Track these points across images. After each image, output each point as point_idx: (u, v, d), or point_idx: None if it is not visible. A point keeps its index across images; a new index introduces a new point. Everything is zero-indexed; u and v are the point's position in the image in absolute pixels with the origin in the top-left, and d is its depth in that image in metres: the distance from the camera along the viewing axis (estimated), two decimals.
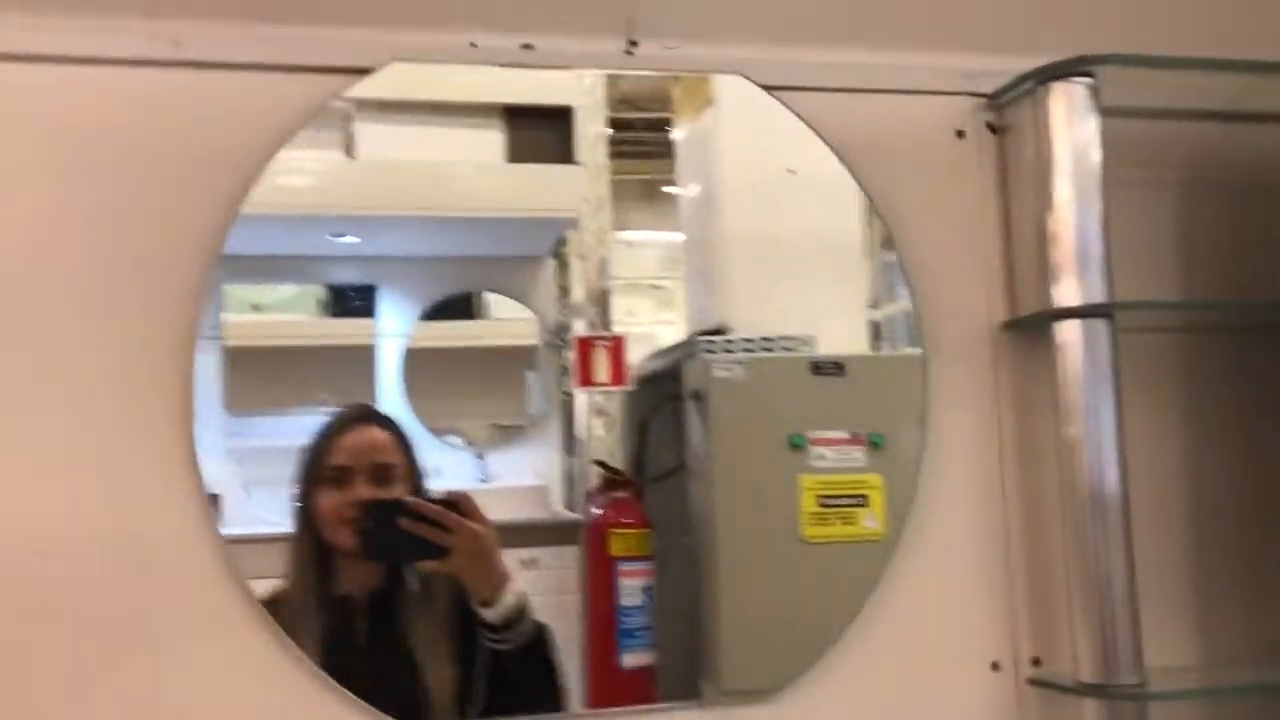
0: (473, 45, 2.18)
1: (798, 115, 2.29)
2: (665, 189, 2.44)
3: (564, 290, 2.34)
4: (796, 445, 2.27)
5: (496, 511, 2.07)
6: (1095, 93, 2.19)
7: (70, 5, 2.02)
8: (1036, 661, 2.29)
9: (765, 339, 2.30)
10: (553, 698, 2.12)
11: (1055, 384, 2.17)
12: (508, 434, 2.32)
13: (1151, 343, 2.39)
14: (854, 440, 2.28)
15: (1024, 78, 2.27)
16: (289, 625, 2.00)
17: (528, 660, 2.07)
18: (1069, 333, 2.16)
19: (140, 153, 2.02)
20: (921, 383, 2.30)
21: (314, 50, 2.11)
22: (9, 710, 1.91)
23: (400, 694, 2.05)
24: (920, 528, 2.28)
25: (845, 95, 2.33)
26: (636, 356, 2.28)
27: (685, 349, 2.32)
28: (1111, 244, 2.17)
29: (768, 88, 2.29)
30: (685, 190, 2.44)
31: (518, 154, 2.31)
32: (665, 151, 2.42)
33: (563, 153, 2.33)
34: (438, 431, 2.21)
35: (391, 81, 2.13)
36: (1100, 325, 2.14)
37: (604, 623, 2.19)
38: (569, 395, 2.30)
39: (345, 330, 2.30)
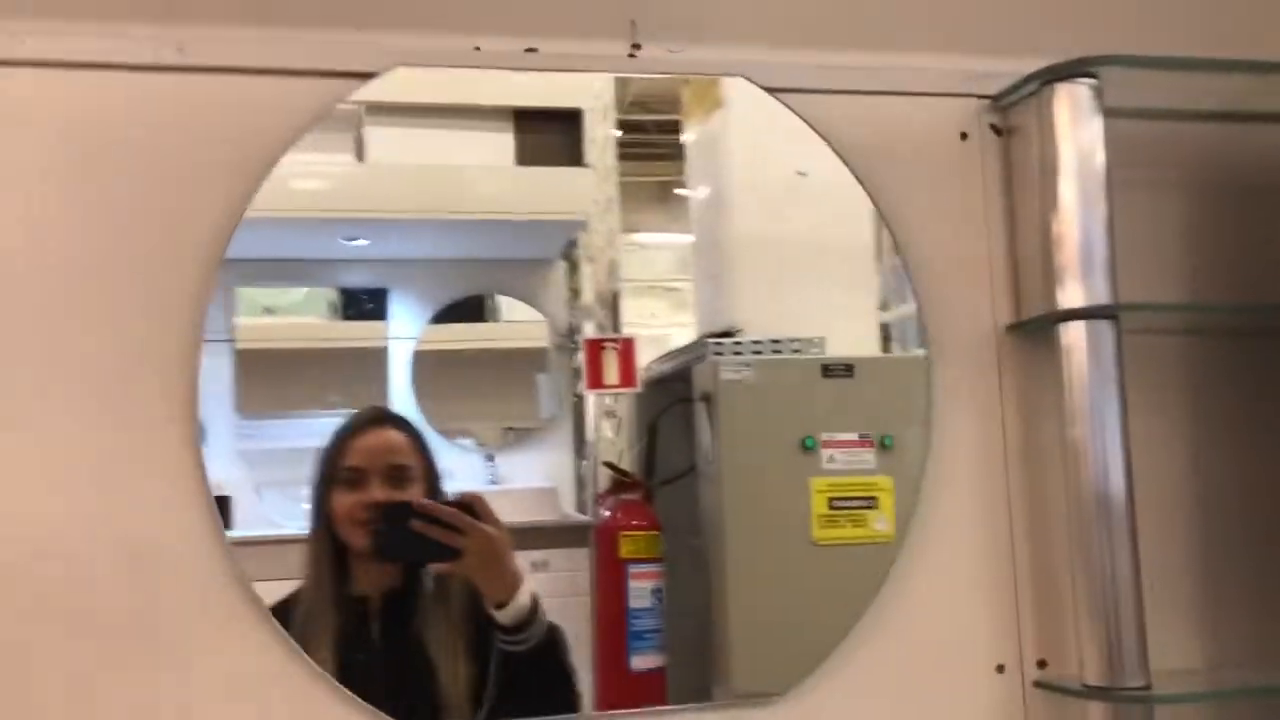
0: (476, 49, 2.23)
1: (801, 117, 2.33)
2: (678, 191, 2.46)
3: (575, 293, 2.35)
4: (808, 447, 2.29)
5: (506, 514, 2.10)
6: (1099, 94, 2.23)
7: (76, 11, 2.08)
8: (1042, 664, 2.32)
9: (775, 341, 2.33)
10: (565, 699, 2.15)
11: (1060, 386, 2.20)
12: (519, 436, 2.33)
13: (1156, 344, 2.41)
14: (864, 442, 2.31)
15: (1027, 79, 2.30)
16: (304, 625, 2.05)
17: (540, 662, 2.10)
18: (1074, 334, 2.19)
19: (145, 157, 2.07)
20: (925, 385, 2.33)
21: (318, 55, 2.16)
22: (11, 710, 1.94)
23: (414, 694, 2.09)
24: (925, 530, 2.31)
25: (848, 97, 2.37)
26: (650, 359, 2.31)
27: (695, 351, 2.34)
28: (1116, 245, 2.20)
29: (770, 90, 2.32)
30: (695, 192, 2.45)
31: (527, 157, 2.34)
32: (678, 154, 2.44)
33: (572, 155, 2.36)
34: (449, 434, 2.23)
35: (401, 85, 2.17)
36: (1105, 327, 2.17)
37: (614, 625, 2.21)
38: (580, 398, 2.32)
39: (357, 333, 2.32)
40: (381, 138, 2.26)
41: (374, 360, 2.27)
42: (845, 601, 2.28)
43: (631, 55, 2.30)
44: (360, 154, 2.25)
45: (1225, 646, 2.43)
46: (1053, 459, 2.29)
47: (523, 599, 2.08)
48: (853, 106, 2.37)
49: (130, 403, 2.03)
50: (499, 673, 2.08)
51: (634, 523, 2.25)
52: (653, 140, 2.44)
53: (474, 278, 2.35)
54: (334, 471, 2.11)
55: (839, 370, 2.34)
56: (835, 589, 2.30)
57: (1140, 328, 2.32)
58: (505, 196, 2.38)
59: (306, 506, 2.13)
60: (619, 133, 2.36)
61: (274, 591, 2.06)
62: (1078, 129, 2.23)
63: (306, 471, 2.13)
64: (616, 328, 2.32)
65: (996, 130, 2.43)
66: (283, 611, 2.06)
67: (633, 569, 2.23)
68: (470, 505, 2.08)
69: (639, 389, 2.29)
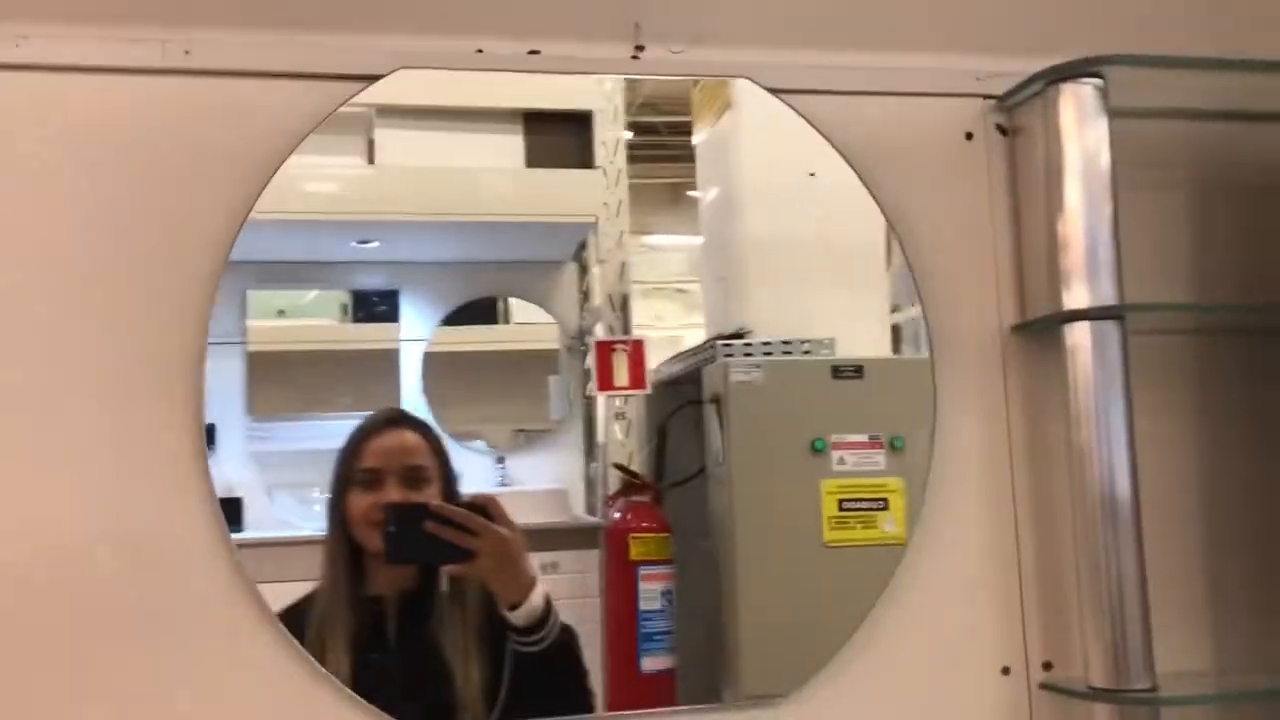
0: (479, 51, 2.27)
1: (805, 118, 2.37)
2: (690, 193, 2.48)
3: (586, 295, 2.39)
4: (818, 449, 2.33)
5: (516, 516, 2.13)
6: (1104, 93, 2.26)
7: (83, 15, 2.13)
8: (1048, 666, 2.36)
9: (785, 342, 2.36)
10: (579, 700, 2.19)
11: (1066, 387, 2.24)
12: (529, 438, 2.36)
13: (1162, 345, 2.45)
14: (874, 444, 2.35)
15: (1032, 79, 2.34)
16: (320, 625, 2.10)
17: (554, 663, 2.15)
18: (1079, 335, 2.23)
19: (150, 160, 2.13)
20: (930, 386, 2.36)
21: (321, 57, 2.21)
22: (14, 711, 1.99)
23: (429, 694, 2.13)
24: (930, 532, 2.35)
25: (853, 98, 2.41)
26: (660, 360, 2.35)
27: (705, 353, 2.37)
28: (1122, 245, 2.24)
29: (774, 91, 2.37)
30: (705, 194, 2.48)
31: (537, 159, 2.38)
32: (689, 155, 2.48)
33: (582, 157, 2.39)
34: (459, 436, 2.26)
35: (410, 88, 2.22)
36: (1111, 327, 2.21)
37: (624, 627, 2.24)
38: (590, 400, 2.35)
39: (368, 335, 2.37)
40: (392, 140, 2.29)
41: (385, 362, 2.31)
42: (856, 604, 2.31)
43: (634, 57, 2.34)
44: (371, 157, 2.29)
45: (1231, 649, 2.46)
46: (1058, 460, 2.32)
47: (536, 600, 2.12)
48: (857, 107, 2.40)
49: (136, 405, 2.08)
50: (513, 674, 2.12)
51: (644, 525, 2.28)
52: (664, 142, 2.47)
53: (485, 280, 2.38)
54: (350, 473, 2.15)
55: (849, 372, 2.37)
56: (846, 591, 2.33)
57: (1146, 328, 2.34)
58: (516, 199, 2.42)
59: (318, 508, 2.17)
60: (630, 134, 2.39)
61: (286, 593, 2.09)
62: (1083, 129, 2.26)
63: (318, 473, 2.16)
64: (627, 329, 2.35)
65: (1001, 130, 2.46)
66: (299, 612, 2.10)
67: (643, 571, 2.26)
68: (484, 507, 2.12)
69: (649, 391, 2.33)
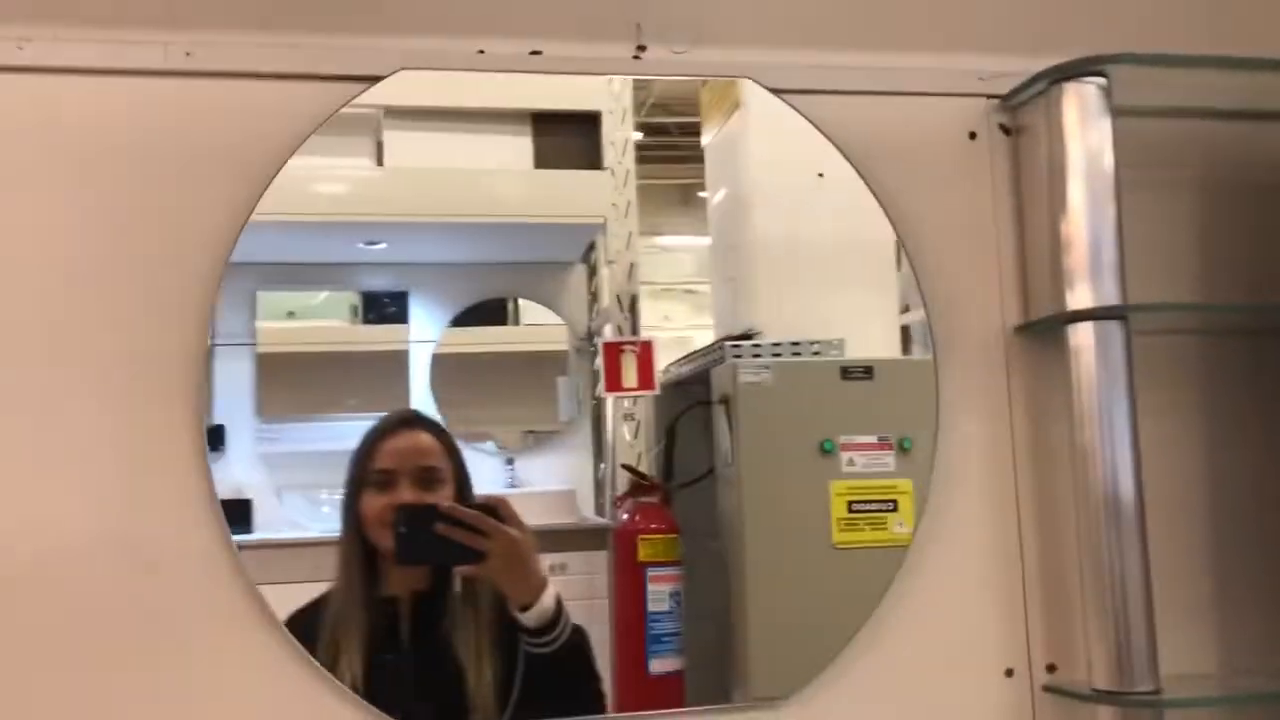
0: (480, 52, 2.31)
1: (807, 118, 2.41)
2: (701, 194, 2.52)
3: (595, 296, 2.42)
4: (827, 450, 2.36)
5: (525, 517, 2.17)
6: (1108, 92, 2.31)
7: (85, 18, 2.19)
8: (1051, 668, 2.40)
9: (794, 343, 2.40)
10: (590, 701, 2.23)
11: (1069, 387, 2.28)
12: (538, 439, 2.39)
13: (1166, 345, 2.49)
14: (883, 445, 2.38)
15: (1036, 78, 2.38)
16: (334, 626, 2.14)
17: (565, 664, 2.19)
18: (1083, 335, 2.27)
19: (151, 161, 2.19)
20: (933, 386, 2.40)
21: (322, 58, 2.26)
22: (14, 711, 2.04)
23: (441, 695, 2.17)
24: (933, 532, 2.39)
25: (855, 98, 2.45)
26: (669, 361, 2.38)
27: (713, 354, 2.40)
28: (1125, 245, 2.28)
29: (777, 91, 2.41)
30: (713, 194, 2.52)
31: (546, 160, 2.42)
32: (699, 156, 2.51)
33: (590, 158, 2.43)
34: (469, 437, 2.29)
35: (420, 89, 2.27)
36: (1114, 328, 2.26)
37: (632, 628, 2.28)
38: (599, 401, 2.38)
39: (377, 336, 2.39)
40: (401, 142, 2.33)
41: (394, 363, 2.35)
42: (865, 605, 2.35)
43: (636, 57, 2.38)
44: (379, 158, 2.33)
45: (1236, 650, 2.50)
46: (1062, 461, 2.36)
47: (547, 602, 2.16)
48: (860, 107, 2.44)
49: (137, 406, 2.13)
50: (524, 674, 2.16)
51: (652, 526, 2.32)
52: (674, 143, 2.51)
53: (493, 281, 2.41)
54: (364, 474, 2.19)
55: (858, 373, 2.40)
56: (855, 592, 2.36)
57: (1150, 328, 2.38)
58: (524, 200, 2.46)
59: (327, 510, 2.21)
60: (639, 135, 2.43)
61: (295, 593, 2.14)
62: (1087, 128, 2.30)
63: (327, 475, 2.20)
64: (635, 330, 2.38)
65: (1005, 130, 2.50)
66: (312, 613, 2.15)
67: (651, 572, 2.30)
68: (495, 508, 2.15)
69: (658, 392, 2.36)
